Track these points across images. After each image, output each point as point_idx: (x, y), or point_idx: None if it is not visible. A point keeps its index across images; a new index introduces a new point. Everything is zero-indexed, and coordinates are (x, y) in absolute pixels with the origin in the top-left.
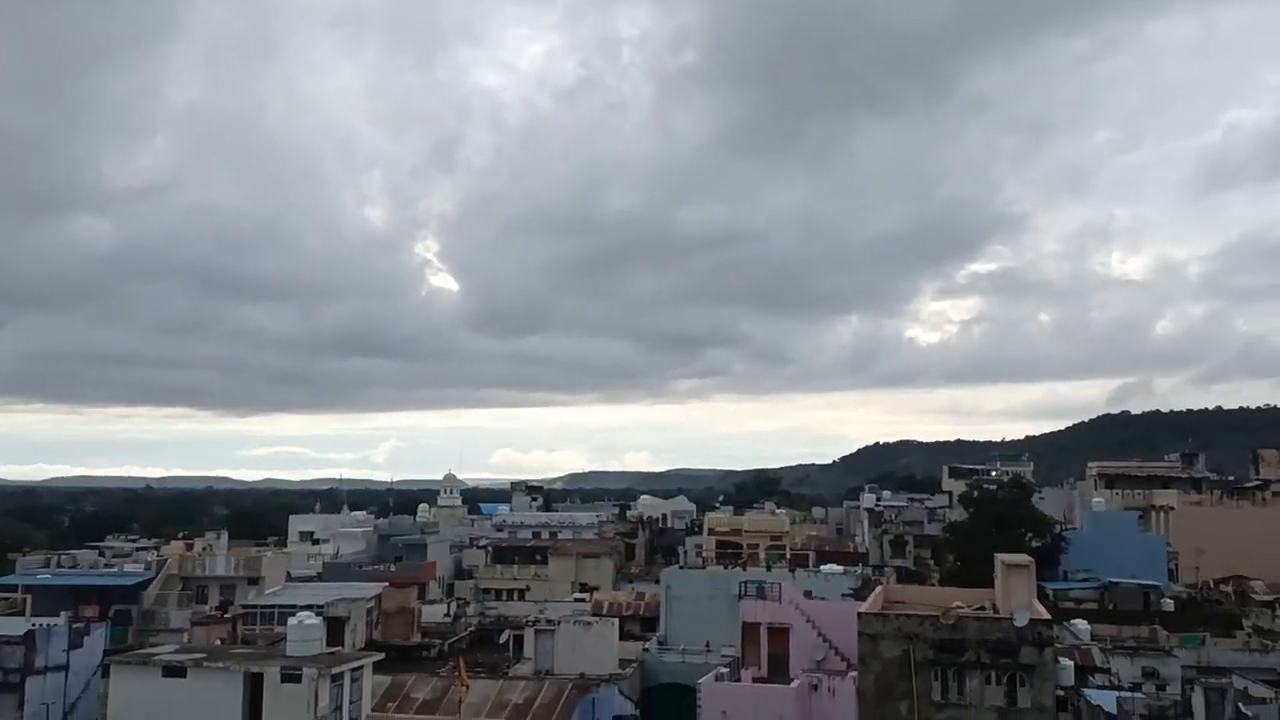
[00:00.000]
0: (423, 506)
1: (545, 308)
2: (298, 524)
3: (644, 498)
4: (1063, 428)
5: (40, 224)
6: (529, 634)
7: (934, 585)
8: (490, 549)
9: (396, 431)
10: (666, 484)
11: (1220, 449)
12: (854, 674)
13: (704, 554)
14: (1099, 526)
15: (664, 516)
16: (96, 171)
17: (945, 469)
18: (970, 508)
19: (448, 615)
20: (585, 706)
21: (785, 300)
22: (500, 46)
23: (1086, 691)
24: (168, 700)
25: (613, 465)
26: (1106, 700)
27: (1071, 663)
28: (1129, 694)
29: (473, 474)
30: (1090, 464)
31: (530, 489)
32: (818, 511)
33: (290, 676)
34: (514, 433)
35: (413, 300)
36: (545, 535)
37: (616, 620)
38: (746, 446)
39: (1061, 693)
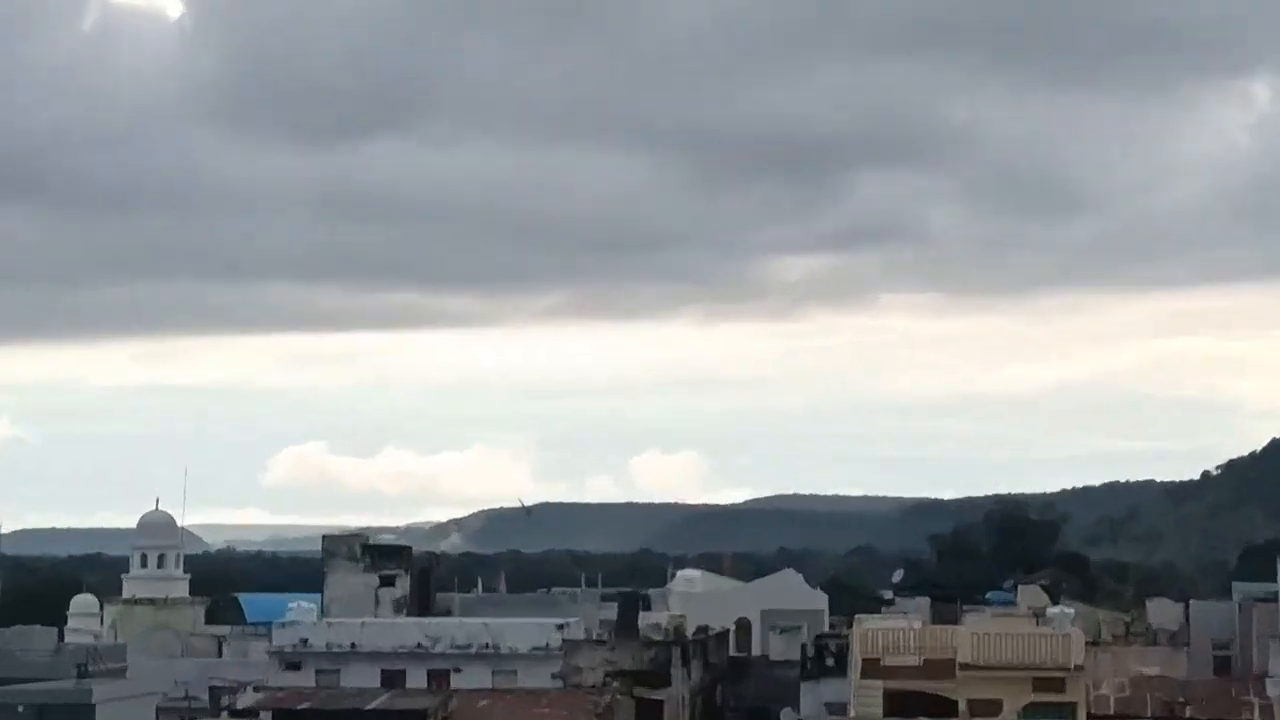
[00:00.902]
0: (82, 600)
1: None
2: None
3: (683, 575)
4: None
5: None
6: None
7: None
8: None
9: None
10: (745, 525)
11: None
12: None
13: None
14: None
15: (740, 628)
16: None
17: None
18: None
19: None
20: None
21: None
22: None
23: None
24: None
25: (597, 485)
26: None
27: None
28: None
29: (222, 512)
30: None
31: (374, 551)
32: (1162, 610)
33: None
34: (330, 395)
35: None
36: (420, 677)
37: None
38: (951, 422)
39: None
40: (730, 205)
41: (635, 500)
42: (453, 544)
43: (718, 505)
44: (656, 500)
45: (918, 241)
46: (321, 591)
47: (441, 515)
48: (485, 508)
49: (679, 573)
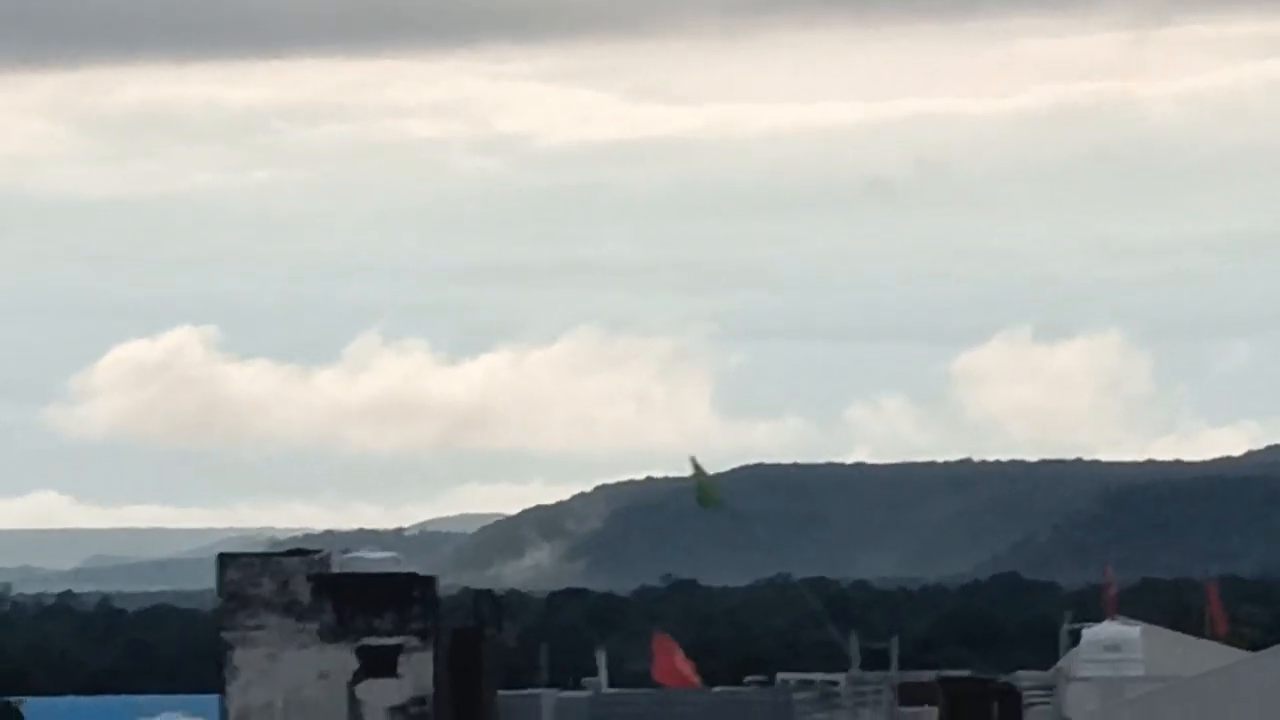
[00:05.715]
0: None
1: None
2: None
3: (1099, 634)
4: None
5: None
6: None
7: None
8: None
9: None
10: (1227, 507)
11: None
12: None
13: None
14: None
15: None
16: None
17: None
18: None
19: None
20: None
21: None
22: None
23: None
24: None
25: (868, 423)
26: None
27: None
28: None
29: None
30: None
31: (344, 591)
32: None
33: None
34: (227, 205)
35: None
36: None
37: None
38: None
39: None
40: None
41: (971, 456)
42: (533, 567)
43: (1185, 465)
44: (1024, 457)
45: None
46: (220, 689)
47: (505, 501)
48: (611, 480)
49: (1089, 630)
